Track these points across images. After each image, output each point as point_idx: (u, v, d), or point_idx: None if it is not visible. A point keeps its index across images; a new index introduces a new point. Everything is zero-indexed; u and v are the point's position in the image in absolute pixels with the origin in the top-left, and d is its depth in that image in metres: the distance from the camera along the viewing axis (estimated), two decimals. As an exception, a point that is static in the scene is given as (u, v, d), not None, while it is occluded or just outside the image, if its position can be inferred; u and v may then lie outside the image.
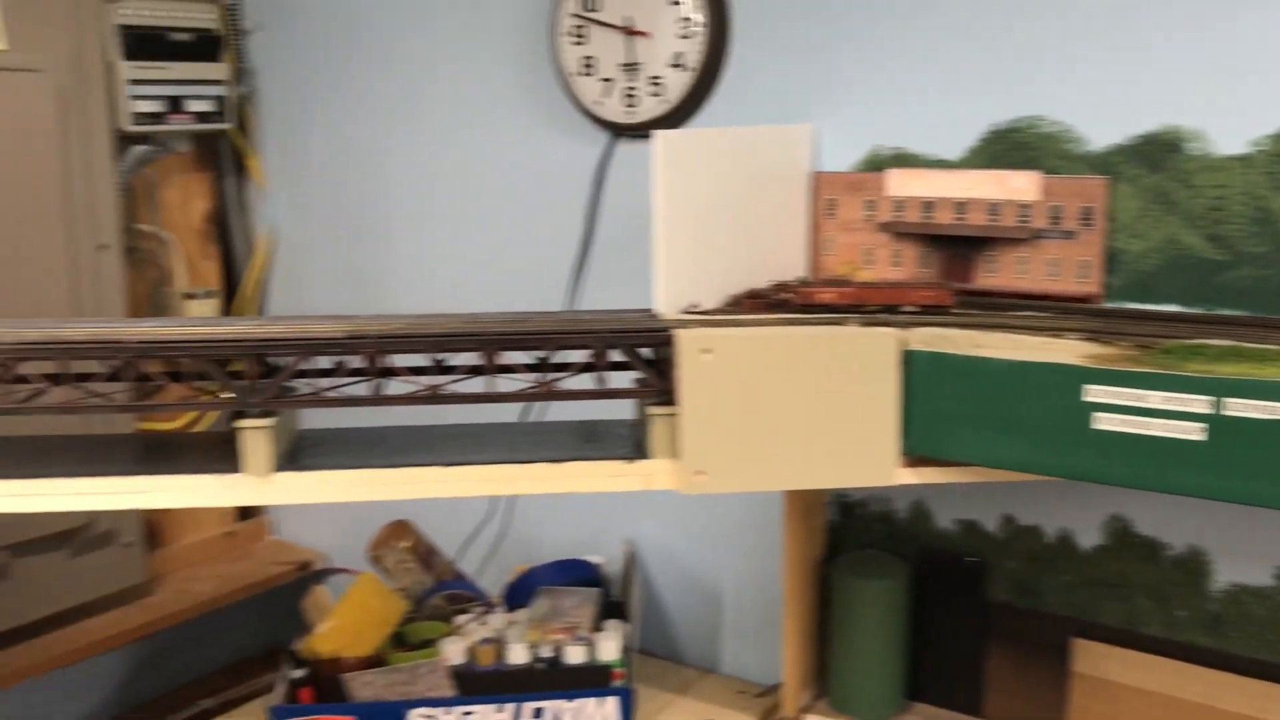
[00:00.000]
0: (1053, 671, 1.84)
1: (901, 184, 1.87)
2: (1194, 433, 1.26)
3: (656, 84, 2.06)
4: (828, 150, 1.96)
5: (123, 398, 1.38)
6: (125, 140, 2.35)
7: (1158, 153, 1.67)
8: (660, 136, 1.60)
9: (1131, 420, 1.30)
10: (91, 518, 2.25)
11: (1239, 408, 1.24)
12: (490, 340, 1.41)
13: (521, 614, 2.03)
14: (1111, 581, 1.79)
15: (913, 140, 1.88)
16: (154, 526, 2.53)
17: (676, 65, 2.03)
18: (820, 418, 1.43)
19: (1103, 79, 1.70)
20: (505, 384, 1.46)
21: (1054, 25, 1.73)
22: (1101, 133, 1.71)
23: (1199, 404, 1.26)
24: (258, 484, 1.38)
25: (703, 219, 1.72)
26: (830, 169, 1.96)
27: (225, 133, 2.61)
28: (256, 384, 1.38)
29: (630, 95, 2.09)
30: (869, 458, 1.45)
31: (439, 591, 2.12)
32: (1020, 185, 1.77)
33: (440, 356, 1.45)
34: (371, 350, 1.39)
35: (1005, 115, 1.79)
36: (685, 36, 2.01)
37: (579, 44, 2.14)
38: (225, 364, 1.38)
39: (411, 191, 2.47)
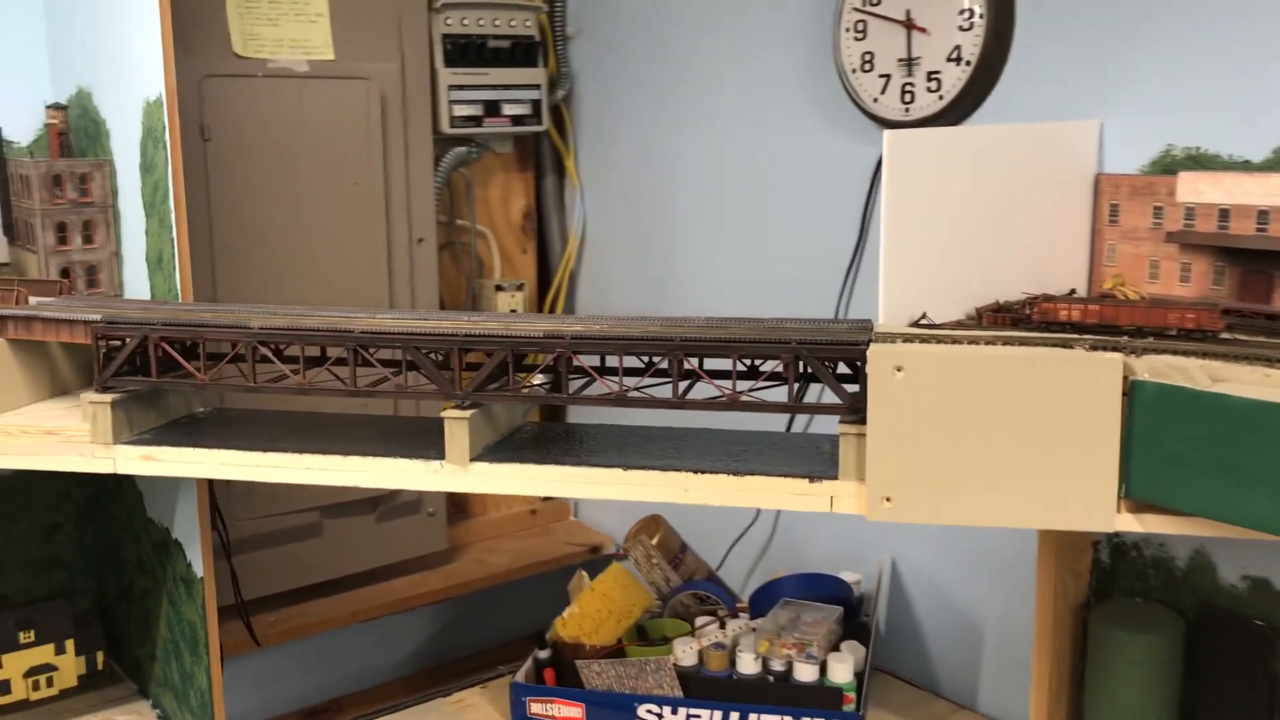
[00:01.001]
0: (1352, 765, 1.56)
1: (1194, 188, 1.65)
2: None
3: (933, 79, 1.94)
4: (1114, 150, 1.76)
5: (366, 383, 1.49)
6: (445, 142, 2.53)
7: None
8: (888, 136, 1.51)
9: (1391, 481, 1.07)
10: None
11: None
12: (676, 346, 1.39)
13: (761, 623, 2.00)
14: None
15: (1210, 139, 1.65)
16: (461, 500, 2.72)
17: (954, 60, 1.91)
18: (1026, 449, 1.29)
19: None
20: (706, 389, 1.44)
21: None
22: None
23: None
24: (454, 472, 1.45)
25: (943, 224, 1.60)
26: (1116, 171, 1.76)
27: (545, 134, 2.75)
28: (453, 377, 1.44)
29: (907, 92, 1.99)
30: (1082, 499, 1.29)
31: (686, 590, 2.13)
32: (1336, 192, 1.51)
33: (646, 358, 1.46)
34: (564, 349, 1.42)
35: (1322, 108, 1.53)
36: (964, 29, 1.88)
37: (860, 39, 2.05)
38: (439, 355, 1.46)
39: (700, 193, 2.48)
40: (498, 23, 2.52)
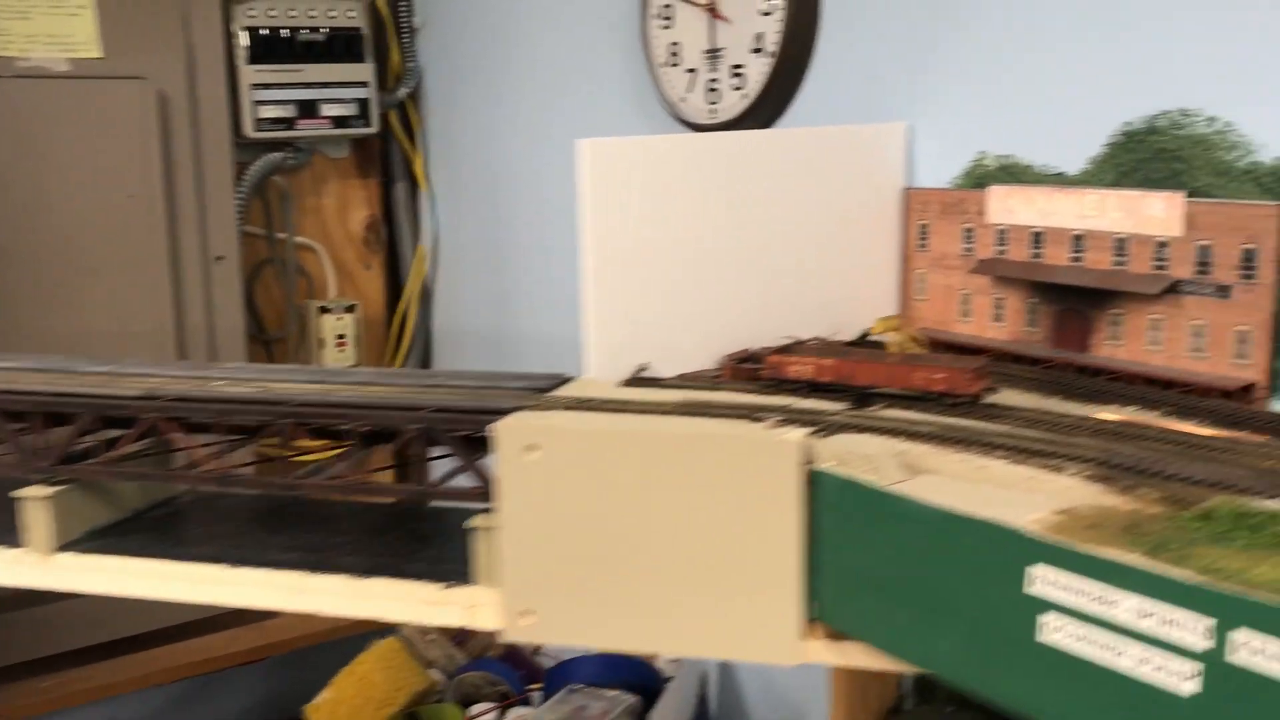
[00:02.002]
0: None
1: (1005, 206, 1.33)
2: (1180, 678, 0.71)
3: (738, 74, 1.64)
4: (925, 159, 1.45)
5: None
6: (253, 147, 2.26)
7: (1362, 167, 1.04)
8: (585, 147, 1.22)
9: (1089, 636, 0.76)
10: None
11: (1253, 650, 0.68)
12: (284, 412, 1.11)
13: (539, 713, 1.70)
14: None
15: (1024, 146, 1.33)
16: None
17: (757, 50, 1.60)
18: (692, 556, 0.99)
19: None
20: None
21: (1210, -29, 1.14)
22: (1277, 133, 1.10)
23: (1193, 630, 0.71)
24: (34, 563, 1.18)
25: (680, 252, 1.30)
26: (926, 184, 1.45)
27: (392, 136, 2.48)
28: (37, 447, 1.17)
29: (713, 89, 1.68)
30: (761, 623, 0.99)
31: (473, 669, 1.84)
32: (1157, 213, 1.19)
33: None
34: (155, 416, 1.14)
35: (1142, 110, 1.21)
36: (765, 13, 1.58)
37: (666, 27, 1.75)
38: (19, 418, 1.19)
39: (544, 200, 2.19)
40: (312, 13, 2.25)
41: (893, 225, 1.46)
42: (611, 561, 1.01)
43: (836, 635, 0.98)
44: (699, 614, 1.00)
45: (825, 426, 1.00)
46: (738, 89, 1.64)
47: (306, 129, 2.27)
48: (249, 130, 2.21)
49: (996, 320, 1.37)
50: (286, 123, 2.25)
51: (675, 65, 1.74)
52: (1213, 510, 0.80)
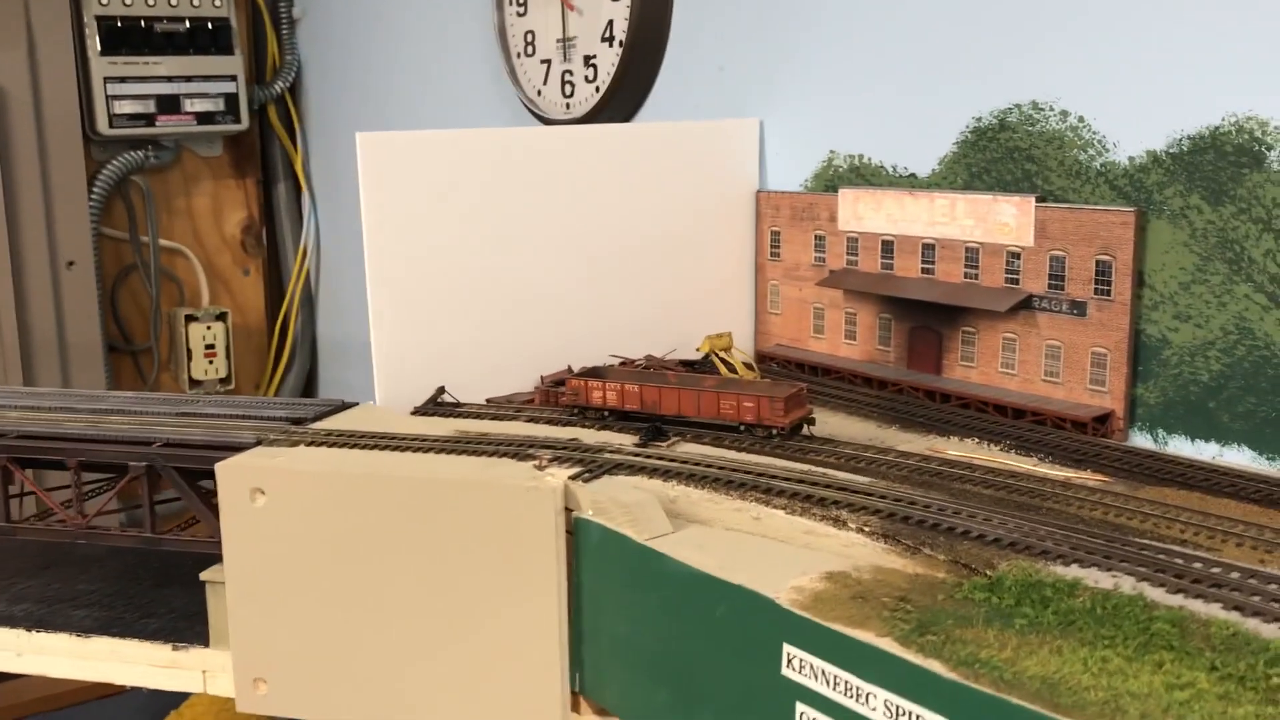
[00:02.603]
0: None
1: (854, 211, 1.20)
2: (931, 798, 0.58)
3: (590, 65, 1.50)
4: (777, 159, 1.31)
5: None
6: (110, 145, 2.10)
7: (1222, 166, 0.91)
8: (362, 141, 1.08)
9: (840, 735, 0.63)
10: None
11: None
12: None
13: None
14: None
15: (874, 143, 1.20)
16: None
17: (607, 40, 1.46)
18: (439, 618, 0.85)
19: (1139, 41, 0.96)
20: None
21: (1062, -54, 1.01)
22: (1134, 131, 0.97)
23: (946, 737, 0.57)
24: None
25: (481, 260, 1.16)
26: (778, 187, 1.31)
27: (273, 133, 2.33)
28: None
29: (568, 82, 1.54)
30: (518, 696, 0.85)
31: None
32: (1008, 219, 1.05)
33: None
34: None
35: (993, 103, 1.07)
36: (614, 0, 1.44)
37: (522, 14, 1.61)
38: None
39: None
40: (173, 2, 2.10)
41: (745, 231, 1.33)
42: (349, 623, 0.87)
43: (602, 711, 0.85)
44: (449, 685, 0.86)
45: (598, 467, 0.86)
46: (590, 81, 1.50)
47: (168, 125, 2.12)
48: (103, 127, 2.05)
49: (849, 338, 1.24)
50: (145, 119, 2.10)
51: (531, 55, 1.60)
52: (1001, 578, 0.67)
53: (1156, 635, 0.59)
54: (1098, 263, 0.99)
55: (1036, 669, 0.57)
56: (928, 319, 1.15)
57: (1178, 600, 0.63)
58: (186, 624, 0.96)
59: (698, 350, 1.14)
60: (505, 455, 0.89)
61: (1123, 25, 0.97)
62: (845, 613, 0.65)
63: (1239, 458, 0.93)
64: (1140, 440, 0.99)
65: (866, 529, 0.74)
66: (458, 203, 1.13)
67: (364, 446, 0.92)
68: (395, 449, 0.91)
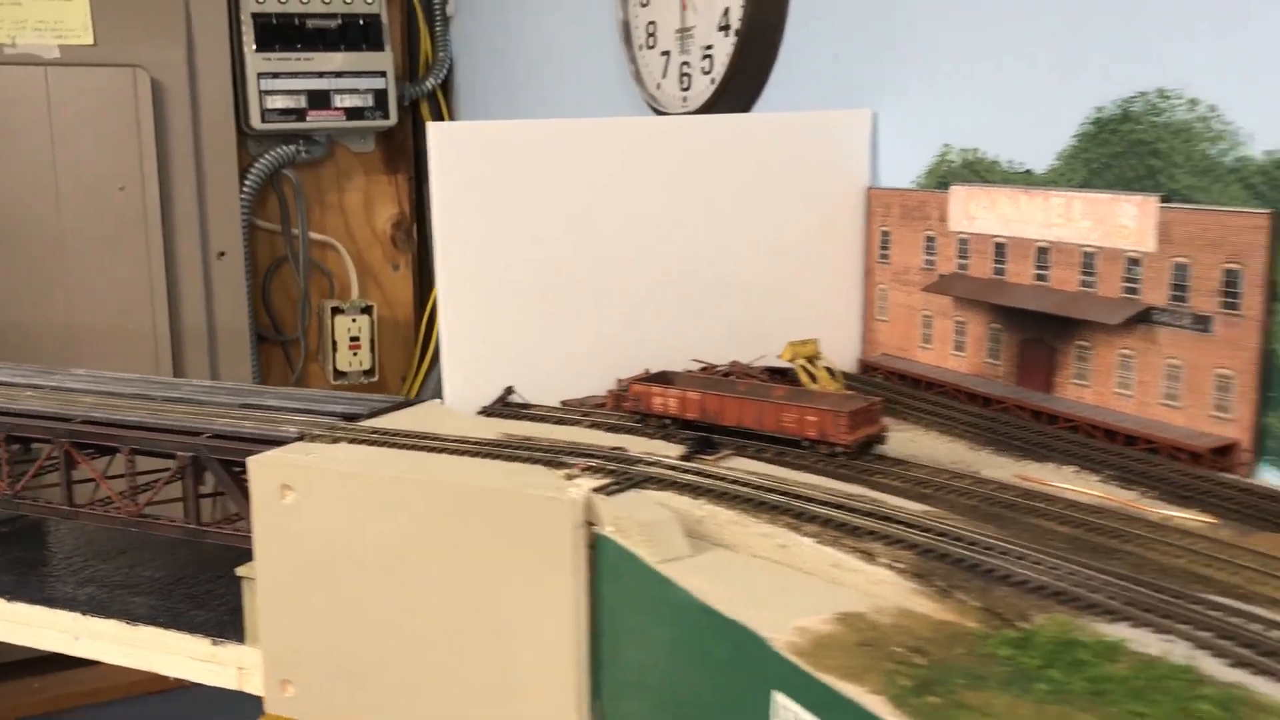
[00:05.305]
0: None
1: (965, 210, 1.10)
2: None
3: (707, 56, 1.43)
4: (890, 153, 1.22)
5: None
6: (263, 139, 2.16)
7: (1372, 163, 0.78)
8: (433, 131, 1.05)
9: (824, 804, 0.55)
10: None
11: None
12: (63, 432, 0.97)
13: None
14: None
15: (989, 137, 1.09)
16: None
17: (724, 29, 1.40)
18: (461, 627, 0.81)
19: (1277, 20, 0.83)
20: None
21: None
22: (1272, 121, 0.84)
23: (929, 821, 0.49)
24: None
25: (564, 258, 1.11)
26: (890, 184, 1.22)
27: (425, 130, 2.35)
28: None
29: (685, 74, 1.48)
30: (537, 708, 0.80)
31: None
32: (1128, 221, 0.94)
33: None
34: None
35: (1116, 92, 0.96)
36: (732, -14, 1.37)
37: (645, 5, 1.56)
38: None
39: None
40: (326, -1, 2.14)
41: (855, 231, 1.24)
42: (373, 629, 0.84)
43: (624, 739, 0.79)
44: (468, 699, 0.82)
45: (629, 479, 0.80)
46: (706, 73, 1.43)
47: (318, 120, 2.16)
48: (255, 121, 2.11)
49: (957, 349, 1.13)
50: (296, 114, 2.14)
51: (653, 48, 1.55)
52: (1033, 634, 0.57)
53: (1197, 717, 0.49)
54: (1225, 272, 0.86)
55: (1055, 746, 0.48)
56: (1040, 331, 1.03)
57: (1237, 675, 0.52)
58: (231, 619, 0.94)
59: (779, 357, 1.06)
60: (541, 462, 0.84)
61: (1259, 2, 0.84)
62: (844, 662, 0.57)
63: (1385, 503, 0.79)
64: (1269, 477, 0.86)
65: (898, 565, 0.66)
66: (536, 196, 1.08)
67: (402, 446, 0.88)
68: (432, 450, 0.87)
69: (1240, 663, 0.53)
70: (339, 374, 2.28)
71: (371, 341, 2.29)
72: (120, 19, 1.97)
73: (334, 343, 2.27)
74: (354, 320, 2.27)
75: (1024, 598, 0.61)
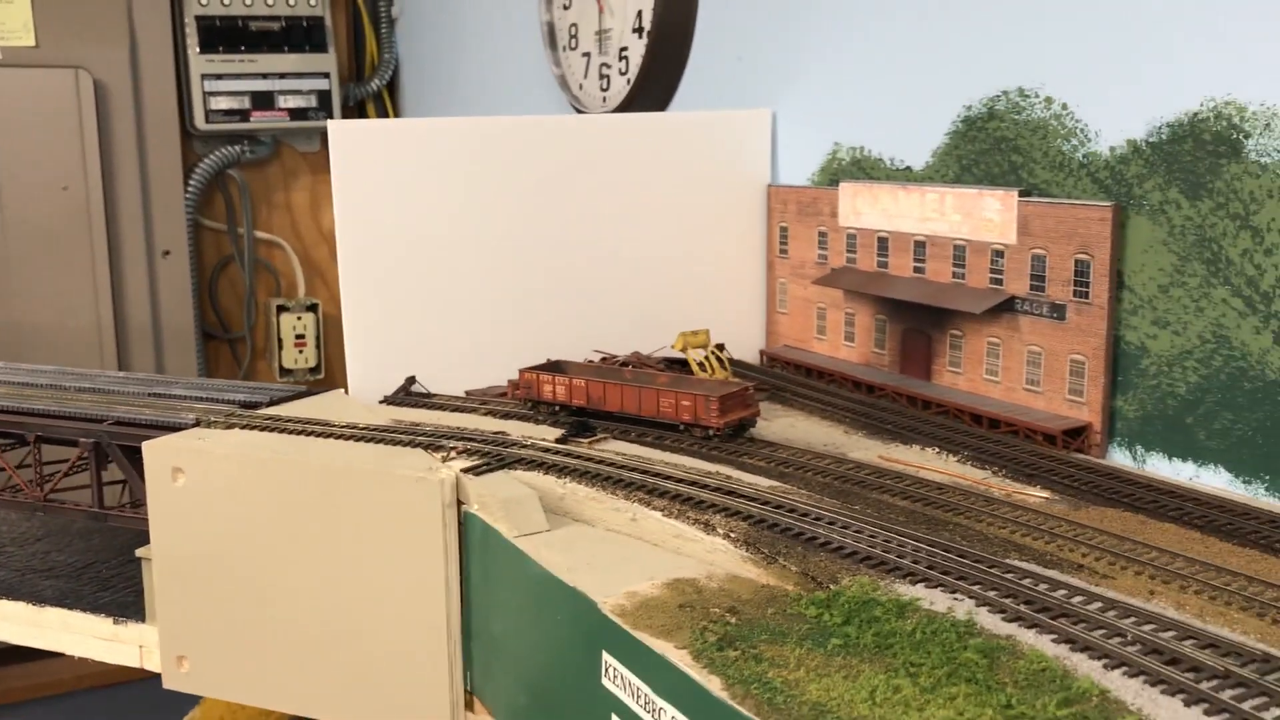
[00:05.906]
0: None
1: (854, 206, 1.14)
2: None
3: (624, 57, 1.48)
4: (788, 152, 1.26)
5: None
6: (208, 140, 2.19)
7: (1200, 157, 0.82)
8: (333, 129, 1.08)
9: (638, 750, 0.59)
10: None
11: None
12: (-32, 419, 1.01)
13: None
14: None
15: (874, 136, 1.13)
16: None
17: (637, 30, 1.44)
18: (343, 605, 0.85)
19: (1121, 22, 0.88)
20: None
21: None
22: (1115, 119, 0.89)
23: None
24: None
25: (466, 250, 1.15)
26: (788, 181, 1.26)
27: (368, 131, 2.38)
28: None
29: (604, 75, 1.53)
30: (413, 690, 0.83)
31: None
32: (992, 214, 0.98)
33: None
34: None
35: (982, 90, 1.00)
36: (645, -11, 1.41)
37: (567, 7, 1.60)
38: None
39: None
40: (270, 1, 2.17)
41: (757, 227, 1.28)
42: (260, 606, 0.88)
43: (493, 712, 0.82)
44: (350, 673, 0.85)
45: (500, 460, 0.84)
46: (623, 74, 1.48)
47: (262, 121, 2.19)
48: (200, 122, 2.14)
49: (848, 340, 1.18)
50: (240, 114, 2.18)
51: (574, 49, 1.59)
52: (837, 594, 0.61)
53: (963, 665, 0.53)
54: (1076, 262, 0.91)
55: (817, 694, 0.53)
56: (919, 321, 1.08)
57: (1010, 629, 0.57)
58: (135, 600, 0.98)
59: (672, 347, 1.10)
60: (422, 445, 0.88)
61: (1106, 5, 0.89)
62: (660, 622, 0.61)
63: (1216, 480, 0.84)
64: (1119, 457, 0.91)
65: (732, 535, 0.70)
66: (439, 193, 1.12)
67: (293, 432, 0.92)
68: (320, 435, 0.91)
69: (1015, 618, 0.57)
70: (285, 371, 2.31)
71: (318, 339, 2.32)
72: (62, 21, 2.00)
73: (280, 340, 2.30)
74: (299, 318, 2.30)
75: (838, 562, 0.65)
